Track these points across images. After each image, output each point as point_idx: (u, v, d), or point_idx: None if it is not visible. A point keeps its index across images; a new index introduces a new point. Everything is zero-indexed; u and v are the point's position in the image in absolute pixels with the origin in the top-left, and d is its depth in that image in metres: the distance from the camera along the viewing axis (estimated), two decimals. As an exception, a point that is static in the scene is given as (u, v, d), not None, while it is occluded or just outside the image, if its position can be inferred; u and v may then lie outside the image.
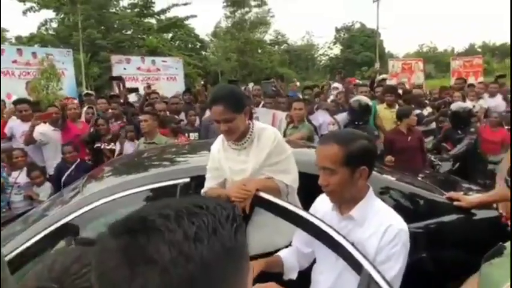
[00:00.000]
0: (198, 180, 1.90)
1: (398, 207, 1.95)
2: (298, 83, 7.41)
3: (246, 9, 29.01)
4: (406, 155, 3.94)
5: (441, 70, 27.28)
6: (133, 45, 22.53)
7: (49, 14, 22.20)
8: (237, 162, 1.73)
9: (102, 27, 22.17)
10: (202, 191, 1.82)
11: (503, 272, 0.78)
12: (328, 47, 37.93)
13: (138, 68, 10.89)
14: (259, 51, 28.75)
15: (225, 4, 28.98)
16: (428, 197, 2.09)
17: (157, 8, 24.12)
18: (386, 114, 5.08)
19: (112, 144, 4.65)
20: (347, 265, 1.23)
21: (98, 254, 0.46)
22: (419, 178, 2.83)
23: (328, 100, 5.94)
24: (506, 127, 4.93)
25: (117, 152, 4.49)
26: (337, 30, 37.25)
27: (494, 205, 2.10)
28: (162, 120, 4.33)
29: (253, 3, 29.20)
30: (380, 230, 1.27)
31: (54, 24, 22.82)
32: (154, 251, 0.42)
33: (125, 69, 10.54)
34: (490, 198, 2.04)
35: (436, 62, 32.00)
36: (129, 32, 23.40)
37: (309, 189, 1.57)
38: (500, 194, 2.01)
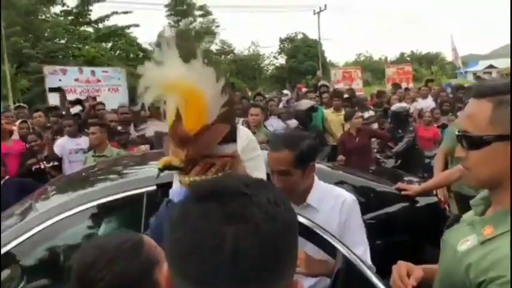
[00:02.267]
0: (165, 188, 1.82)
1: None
2: (250, 93, 7.61)
3: (191, 18, 28.86)
4: (355, 155, 4.22)
5: (377, 77, 29.24)
6: (68, 55, 21.04)
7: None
8: None
9: (31, 36, 20.48)
10: None
11: (458, 234, 0.88)
12: (274, 57, 38.98)
13: (76, 79, 10.27)
14: (205, 61, 28.68)
15: (168, 13, 28.58)
16: (378, 189, 2.22)
17: (94, 16, 23.03)
18: (333, 118, 5.39)
19: (52, 162, 4.16)
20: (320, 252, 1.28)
21: (187, 213, 0.48)
22: (369, 173, 2.99)
23: (280, 106, 6.13)
24: (435, 125, 5.49)
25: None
26: (281, 41, 38.43)
27: (434, 191, 2.30)
28: (110, 133, 4.08)
29: (197, 13, 29.16)
30: (336, 206, 1.41)
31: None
32: (247, 212, 0.46)
33: (60, 80, 9.91)
34: (431, 185, 2.24)
35: (372, 70, 34.19)
36: (62, 41, 21.77)
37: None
38: (438, 181, 2.26)
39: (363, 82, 14.44)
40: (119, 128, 4.42)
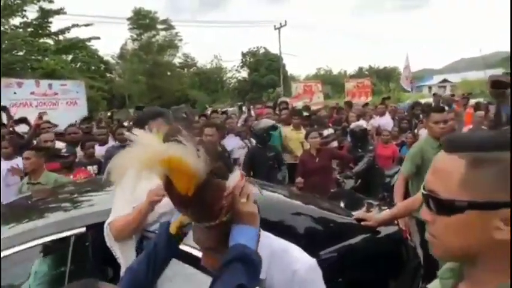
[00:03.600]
0: (96, 229, 1.68)
1: (310, 233, 2.02)
2: (209, 109, 7.50)
3: (153, 32, 28.53)
4: (316, 176, 4.19)
5: (337, 91, 30.16)
6: (27, 67, 20.13)
7: None
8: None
9: (-12, 47, 19.37)
10: None
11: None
12: (236, 70, 39.32)
13: (32, 93, 9.74)
14: (169, 73, 28.32)
15: (130, 26, 28.07)
16: (338, 220, 2.19)
17: (54, 28, 22.20)
18: (292, 136, 5.42)
19: None
20: None
21: None
22: (327, 199, 2.99)
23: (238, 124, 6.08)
24: (394, 142, 5.67)
25: None
26: (244, 55, 38.89)
27: (396, 221, 2.32)
28: (51, 154, 3.84)
29: (160, 26, 28.88)
30: (286, 277, 1.09)
31: None
32: None
33: (15, 93, 9.36)
34: (391, 216, 2.24)
35: (331, 83, 35.23)
36: (21, 53, 20.82)
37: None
38: (398, 211, 2.25)
39: (324, 95, 14.82)
40: (63, 150, 4.16)
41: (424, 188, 0.70)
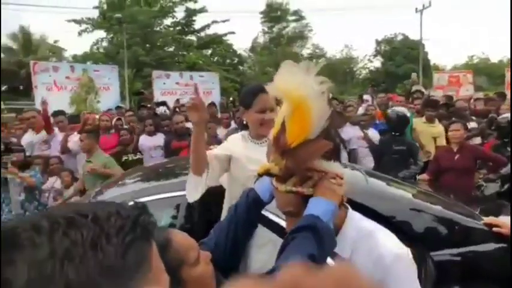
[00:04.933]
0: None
1: (424, 231, 1.83)
2: (330, 95, 7.21)
3: (284, 24, 29.28)
4: (451, 176, 3.57)
5: (495, 83, 25.51)
6: (174, 61, 23.53)
7: (101, 34, 23.98)
8: (256, 151, 1.65)
9: (147, 45, 23.41)
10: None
11: None
12: (368, 60, 37.14)
13: (177, 83, 11.25)
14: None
15: (263, 20, 29.44)
16: (462, 223, 1.86)
17: (197, 25, 25.16)
18: (424, 129, 4.79)
19: (139, 154, 4.77)
20: None
21: None
22: (456, 201, 2.56)
23: (359, 113, 5.67)
24: None
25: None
26: (378, 43, 36.44)
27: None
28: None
29: (291, 18, 29.43)
30: (368, 261, 1.02)
31: (105, 43, 24.50)
32: (10, 271, 0.36)
33: (164, 83, 11.00)
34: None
35: (488, 73, 30.06)
36: (170, 49, 24.53)
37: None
38: None
39: (475, 88, 12.58)
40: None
41: None
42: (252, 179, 1.43)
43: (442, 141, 4.69)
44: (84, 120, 4.87)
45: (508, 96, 7.22)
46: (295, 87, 0.96)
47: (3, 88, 25.45)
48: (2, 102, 9.16)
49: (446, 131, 4.03)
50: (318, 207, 0.96)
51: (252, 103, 1.67)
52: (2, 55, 25.57)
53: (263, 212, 1.25)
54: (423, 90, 7.40)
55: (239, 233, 1.17)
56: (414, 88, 7.11)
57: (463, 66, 35.57)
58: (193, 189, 1.57)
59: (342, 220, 1.09)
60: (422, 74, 23.24)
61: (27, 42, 25.33)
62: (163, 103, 7.25)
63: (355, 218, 1.11)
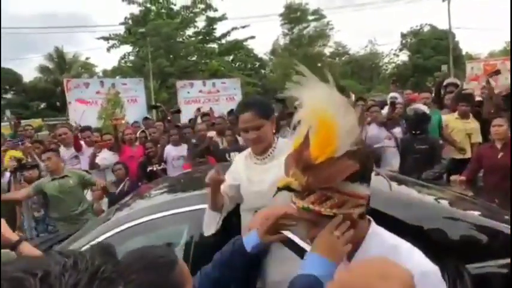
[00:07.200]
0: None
1: (459, 242, 1.68)
2: (353, 96, 6.89)
3: (304, 24, 29.00)
4: (495, 176, 3.32)
5: (537, 69, 23.78)
6: (197, 69, 23.94)
7: (127, 48, 24.88)
8: (256, 171, 1.68)
9: (171, 56, 23.99)
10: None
11: None
12: (394, 54, 36.02)
13: (200, 91, 11.44)
14: (319, 65, 28.42)
15: (282, 22, 29.32)
16: (506, 231, 1.69)
17: (218, 33, 25.49)
18: (457, 126, 4.52)
19: (163, 164, 4.87)
20: None
21: None
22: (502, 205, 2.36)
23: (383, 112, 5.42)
24: None
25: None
26: (403, 36, 35.27)
27: None
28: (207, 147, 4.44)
29: (311, 17, 29.09)
30: None
31: (132, 57, 25.37)
32: None
33: (188, 92, 11.21)
34: None
35: (529, 60, 28.10)
36: (193, 58, 25.00)
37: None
38: None
39: (514, 76, 11.75)
40: (213, 138, 4.70)
41: None
42: (255, 199, 1.54)
43: (477, 138, 4.43)
44: (114, 126, 5.18)
45: None
46: (319, 102, 0.92)
47: (42, 106, 27.13)
48: (40, 119, 9.64)
49: (482, 127, 3.76)
50: (315, 265, 0.92)
51: (238, 123, 1.69)
52: (40, 75, 27.26)
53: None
54: (457, 82, 6.82)
55: (222, 276, 1.23)
56: (447, 81, 6.66)
57: (501, 53, 33.10)
58: (211, 224, 1.70)
59: (364, 235, 1.01)
60: (453, 65, 22.24)
61: (61, 61, 26.90)
62: (178, 111, 7.42)
63: (378, 233, 1.02)
